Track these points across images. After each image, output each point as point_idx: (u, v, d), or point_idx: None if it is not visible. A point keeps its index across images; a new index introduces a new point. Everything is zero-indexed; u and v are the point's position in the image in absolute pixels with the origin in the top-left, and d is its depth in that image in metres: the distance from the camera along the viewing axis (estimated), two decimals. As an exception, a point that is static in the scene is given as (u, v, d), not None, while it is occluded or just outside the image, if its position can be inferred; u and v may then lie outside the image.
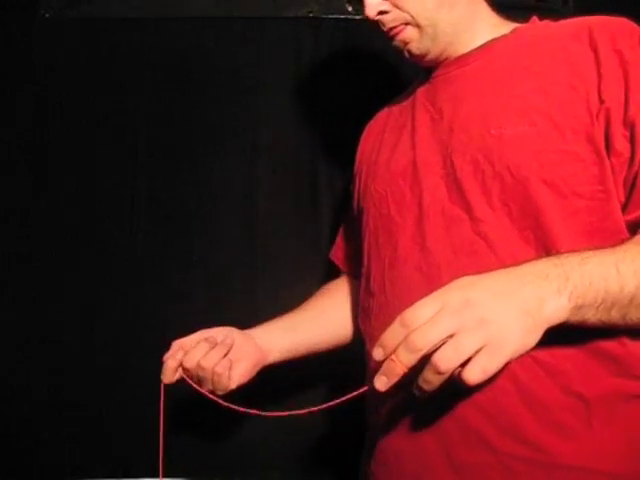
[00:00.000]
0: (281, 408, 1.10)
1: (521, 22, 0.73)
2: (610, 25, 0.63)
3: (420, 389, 0.47)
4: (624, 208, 0.60)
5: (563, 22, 0.68)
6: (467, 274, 0.59)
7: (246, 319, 1.14)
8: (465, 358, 0.44)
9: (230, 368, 0.73)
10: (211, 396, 0.70)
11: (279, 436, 1.11)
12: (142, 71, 1.19)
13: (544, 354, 0.58)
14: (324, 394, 1.12)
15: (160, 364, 0.74)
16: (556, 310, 0.48)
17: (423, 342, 0.45)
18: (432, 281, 0.65)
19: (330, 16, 1.19)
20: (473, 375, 0.44)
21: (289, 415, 0.62)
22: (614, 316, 0.51)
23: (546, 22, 0.71)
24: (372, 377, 0.76)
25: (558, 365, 0.59)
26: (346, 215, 0.98)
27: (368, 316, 0.76)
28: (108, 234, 1.15)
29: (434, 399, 0.62)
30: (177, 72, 1.19)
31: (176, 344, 0.74)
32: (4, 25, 1.18)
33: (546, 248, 0.59)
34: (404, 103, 0.81)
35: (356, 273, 0.93)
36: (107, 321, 1.12)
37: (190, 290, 1.13)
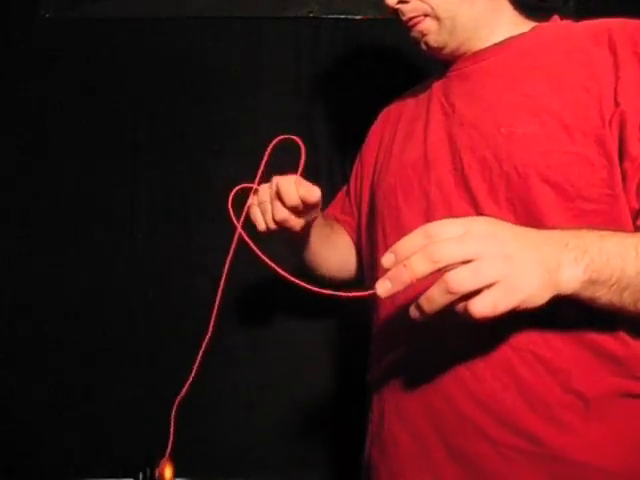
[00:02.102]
0: (283, 404, 1.11)
1: (542, 21, 0.72)
2: (631, 28, 0.62)
3: (419, 308, 0.45)
4: (638, 214, 0.59)
5: (584, 23, 0.67)
6: None
7: (248, 318, 1.15)
8: (481, 285, 0.43)
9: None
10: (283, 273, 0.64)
11: (279, 435, 1.11)
12: (142, 71, 1.19)
13: (546, 351, 0.59)
14: (325, 393, 1.13)
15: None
16: (570, 278, 0.47)
17: (443, 254, 0.43)
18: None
19: (330, 16, 1.20)
20: (482, 307, 0.42)
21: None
22: (626, 300, 0.51)
23: (567, 22, 0.70)
24: (376, 360, 0.76)
25: (559, 363, 0.59)
26: (347, 188, 0.96)
27: (374, 304, 0.76)
28: (108, 234, 1.15)
29: (433, 388, 0.64)
30: (177, 72, 1.19)
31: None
32: (4, 25, 1.19)
33: None
34: (420, 96, 0.80)
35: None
36: (107, 321, 1.12)
37: (190, 290, 1.13)
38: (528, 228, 0.50)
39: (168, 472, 0.71)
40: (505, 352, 0.60)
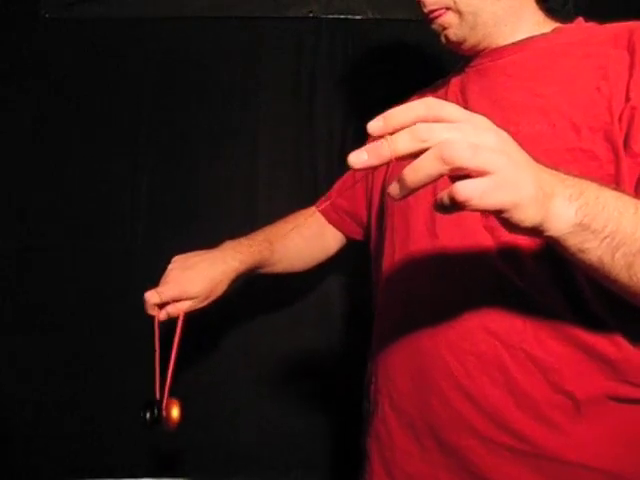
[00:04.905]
0: (284, 404, 1.11)
1: (566, 22, 0.71)
2: None
3: (401, 180, 0.39)
4: None
5: (606, 26, 0.66)
6: (473, 265, 0.58)
7: (248, 318, 1.15)
8: (476, 165, 0.38)
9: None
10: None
11: (279, 436, 1.11)
12: (142, 71, 1.19)
13: (538, 350, 0.59)
14: (326, 392, 1.13)
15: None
16: (562, 215, 0.43)
17: (431, 135, 0.38)
18: (437, 266, 0.66)
19: (330, 16, 1.20)
20: (469, 189, 0.37)
21: None
22: (618, 261, 0.47)
23: (590, 25, 0.69)
24: (373, 351, 0.77)
25: (551, 363, 0.59)
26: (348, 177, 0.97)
27: (375, 294, 0.78)
28: (108, 234, 1.15)
29: (425, 380, 0.64)
30: (177, 72, 1.19)
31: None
32: (4, 25, 1.18)
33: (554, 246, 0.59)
34: (439, 90, 0.80)
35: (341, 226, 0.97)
36: (107, 321, 1.12)
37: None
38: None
39: (175, 412, 0.70)
40: (497, 348, 0.61)
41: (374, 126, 0.39)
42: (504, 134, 0.42)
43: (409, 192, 0.39)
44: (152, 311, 0.74)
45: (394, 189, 0.40)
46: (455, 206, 0.38)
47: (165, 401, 0.70)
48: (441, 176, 0.38)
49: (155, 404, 0.70)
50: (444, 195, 0.38)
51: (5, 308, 1.12)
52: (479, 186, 0.38)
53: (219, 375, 1.12)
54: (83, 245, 1.14)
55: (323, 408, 1.12)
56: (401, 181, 0.39)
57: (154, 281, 1.18)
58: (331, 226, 0.98)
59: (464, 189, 0.37)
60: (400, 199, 0.40)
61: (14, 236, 1.14)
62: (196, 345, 1.11)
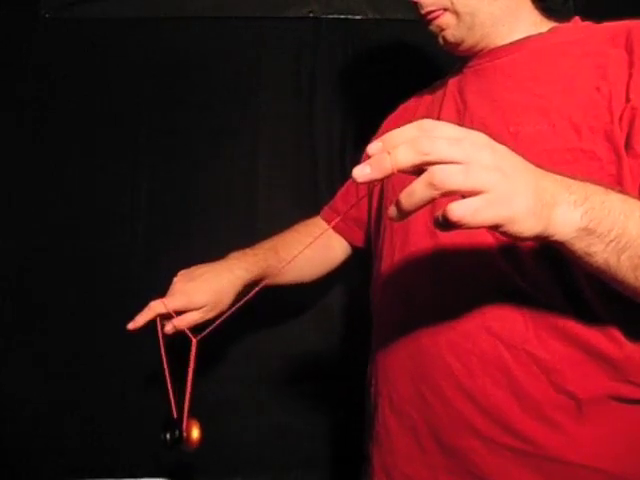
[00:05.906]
0: (284, 403, 1.11)
1: (563, 22, 0.71)
2: None
3: (398, 204, 0.41)
4: None
5: (604, 25, 0.66)
6: (474, 265, 0.58)
7: (249, 320, 1.15)
8: (467, 187, 0.39)
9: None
10: None
11: (279, 436, 1.11)
12: (142, 71, 1.19)
13: (540, 351, 0.59)
14: (326, 392, 1.13)
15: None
16: (565, 220, 0.44)
17: (432, 147, 0.39)
18: (437, 266, 0.66)
19: (330, 16, 1.20)
20: (462, 209, 0.38)
21: None
22: (623, 263, 0.47)
23: (587, 24, 0.69)
24: (373, 353, 0.77)
25: (554, 363, 0.59)
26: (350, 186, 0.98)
27: (375, 295, 0.78)
28: (108, 234, 1.15)
29: (425, 380, 0.64)
30: (177, 72, 1.19)
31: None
32: (4, 25, 1.18)
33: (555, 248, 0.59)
34: (437, 92, 0.80)
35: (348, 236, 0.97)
36: (107, 321, 1.12)
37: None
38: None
39: (196, 433, 0.70)
40: (498, 349, 0.61)
41: (374, 148, 0.41)
42: (501, 149, 0.43)
43: (407, 215, 0.41)
44: (146, 317, 0.76)
45: (392, 212, 0.42)
46: (450, 225, 0.39)
47: (185, 422, 0.70)
48: (435, 199, 0.39)
49: (175, 425, 0.70)
50: (439, 215, 0.40)
51: (5, 308, 1.12)
52: (471, 206, 0.39)
53: (220, 376, 1.12)
54: (83, 245, 1.14)
55: (323, 409, 1.12)
56: (398, 205, 0.41)
57: (154, 281, 1.18)
58: (337, 236, 0.98)
59: (456, 210, 0.38)
60: (399, 221, 0.42)
61: (14, 236, 1.14)
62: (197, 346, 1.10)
